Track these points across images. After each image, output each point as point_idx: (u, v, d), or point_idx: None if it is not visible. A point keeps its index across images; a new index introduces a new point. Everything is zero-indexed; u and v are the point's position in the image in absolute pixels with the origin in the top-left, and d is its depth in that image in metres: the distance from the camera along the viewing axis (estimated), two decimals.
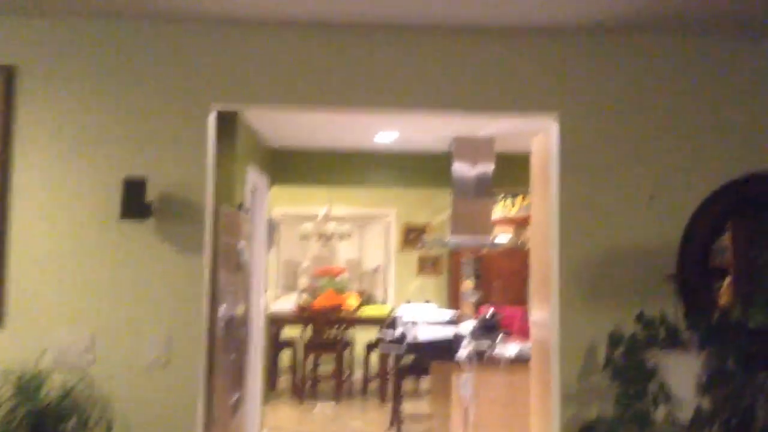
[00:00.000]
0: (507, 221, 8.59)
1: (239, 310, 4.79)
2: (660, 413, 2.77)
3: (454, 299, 8.76)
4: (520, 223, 8.67)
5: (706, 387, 2.70)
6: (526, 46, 3.29)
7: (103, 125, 3.22)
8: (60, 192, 3.18)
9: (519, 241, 8.50)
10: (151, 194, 3.18)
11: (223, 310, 4.25)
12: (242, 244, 4.66)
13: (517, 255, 8.65)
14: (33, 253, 3.15)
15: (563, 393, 3.20)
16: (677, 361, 2.84)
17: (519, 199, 8.75)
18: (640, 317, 3.02)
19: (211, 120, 3.31)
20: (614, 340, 3.02)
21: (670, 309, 3.11)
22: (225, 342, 4.33)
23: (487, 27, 3.23)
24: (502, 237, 6.73)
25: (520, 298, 8.73)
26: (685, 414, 2.73)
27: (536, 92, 3.30)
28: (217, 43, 3.28)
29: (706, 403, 2.71)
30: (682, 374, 2.78)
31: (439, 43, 3.29)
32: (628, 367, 2.91)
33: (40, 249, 3.15)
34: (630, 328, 3.08)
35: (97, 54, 3.25)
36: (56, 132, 3.21)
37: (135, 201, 3.13)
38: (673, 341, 2.91)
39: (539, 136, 3.91)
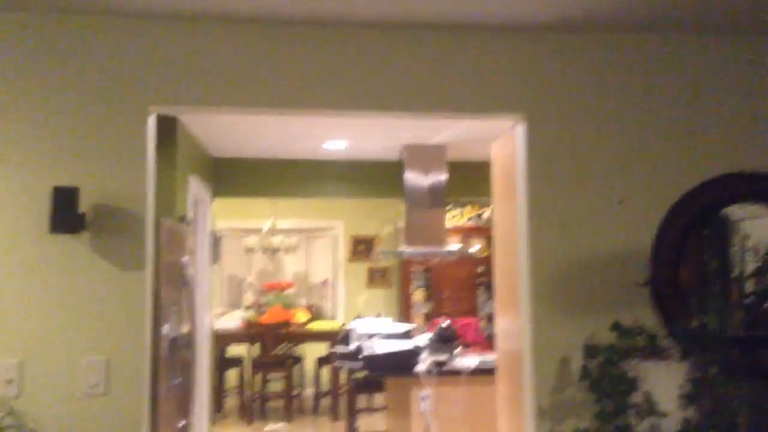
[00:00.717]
0: (456, 230, 8.50)
1: (184, 328, 4.48)
2: (644, 427, 2.62)
3: (404, 311, 8.59)
4: (468, 233, 8.59)
5: (691, 397, 2.56)
6: (491, 44, 3.12)
7: (29, 129, 2.90)
8: None
9: (468, 251, 8.42)
10: (85, 205, 2.88)
11: (166, 329, 3.95)
12: (186, 258, 4.36)
13: (467, 265, 8.57)
14: None
15: (536, 407, 3.02)
16: (659, 371, 2.71)
17: (467, 208, 8.68)
18: (616, 326, 2.90)
19: (150, 123, 3.03)
20: (590, 350, 2.88)
21: (646, 317, 2.99)
22: (170, 364, 4.02)
23: (449, 23, 3.05)
24: (453, 246, 6.58)
25: (471, 308, 8.65)
26: (670, 426, 2.59)
27: (502, 92, 3.12)
28: (155, 40, 3.00)
29: (691, 414, 2.57)
30: (664, 385, 2.65)
31: (395, 40, 3.09)
32: (607, 379, 2.76)
33: None
34: (605, 337, 2.95)
35: (23, 51, 2.92)
36: None
37: (66, 212, 2.81)
38: (653, 350, 2.77)
39: (500, 141, 3.75)
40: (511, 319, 3.52)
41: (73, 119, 2.93)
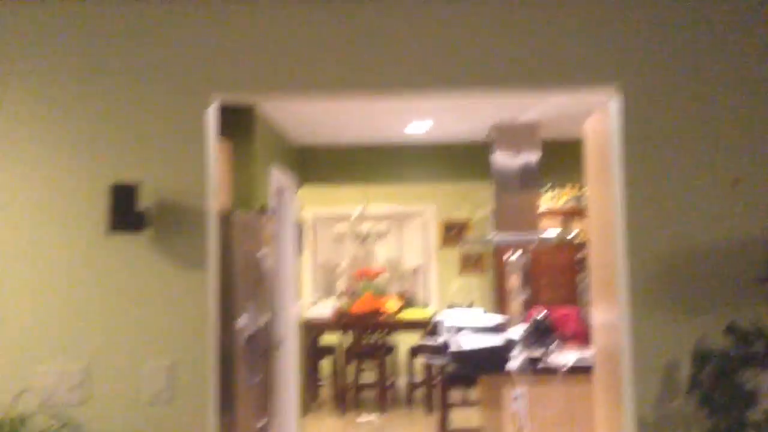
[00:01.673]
0: (553, 213, 8.04)
1: (263, 322, 4.36)
2: None
3: (500, 299, 8.22)
4: (568, 216, 8.11)
5: None
6: (577, 9, 2.75)
7: (85, 123, 2.80)
8: (39, 204, 2.76)
9: (567, 236, 7.95)
10: (145, 202, 2.76)
11: (242, 324, 3.83)
12: (263, 251, 4.22)
13: (566, 250, 8.10)
14: (9, 275, 2.74)
15: (638, 421, 2.67)
16: None
17: (566, 189, 8.18)
18: (731, 329, 2.49)
19: (211, 113, 2.86)
20: (700, 356, 2.49)
21: (762, 319, 2.56)
22: (248, 361, 3.91)
23: None
24: (551, 232, 6.17)
25: (571, 296, 8.17)
26: None
27: (594, 62, 2.74)
28: (214, 22, 2.83)
29: None
30: None
31: (479, 10, 2.77)
32: (720, 391, 2.37)
33: (18, 271, 2.74)
34: (717, 341, 2.56)
35: (76, 41, 2.82)
36: (31, 135, 2.79)
37: (126, 210, 2.69)
38: None
39: (593, 117, 3.36)
40: (607, 311, 3.16)
41: (131, 111, 2.80)
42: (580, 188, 8.03)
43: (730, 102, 2.70)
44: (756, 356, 2.36)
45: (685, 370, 2.59)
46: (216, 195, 2.95)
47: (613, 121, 2.83)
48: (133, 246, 2.76)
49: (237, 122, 4.72)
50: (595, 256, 3.40)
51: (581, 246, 7.98)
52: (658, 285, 2.68)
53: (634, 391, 2.68)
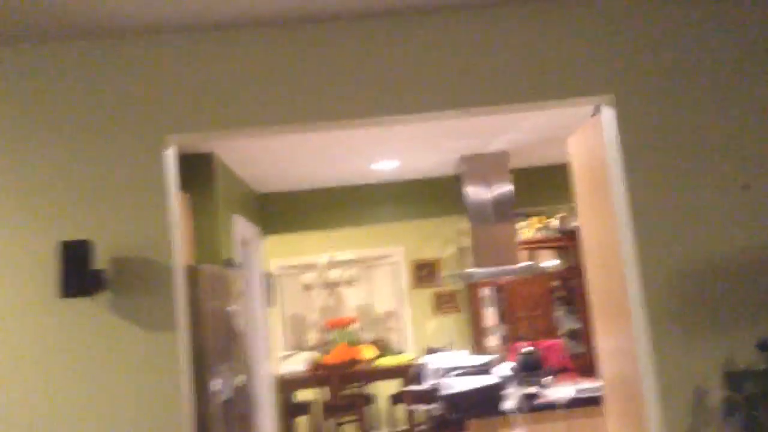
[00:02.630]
0: (525, 244, 7.87)
1: (239, 382, 4.01)
2: None
3: (477, 337, 7.96)
4: (538, 246, 7.94)
5: None
6: (563, 16, 2.58)
7: (29, 177, 2.49)
8: None
9: (543, 265, 7.78)
10: (102, 260, 2.45)
11: (217, 387, 3.48)
12: (232, 307, 3.90)
13: (541, 281, 7.92)
14: None
15: None
16: None
17: (533, 219, 8.04)
18: (764, 345, 2.27)
19: (169, 157, 2.58)
20: (735, 377, 2.26)
21: None
22: (226, 427, 3.55)
23: None
24: (527, 263, 5.96)
25: (549, 327, 7.97)
26: None
27: (584, 70, 2.57)
28: (168, 58, 2.57)
29: None
30: None
31: (455, 23, 2.58)
32: (765, 414, 2.14)
33: None
34: (747, 359, 2.35)
35: (16, 87, 2.53)
36: None
37: (79, 271, 2.38)
38: None
39: (578, 134, 3.19)
40: (615, 338, 2.93)
41: (81, 160, 2.51)
42: (547, 217, 7.90)
43: (731, 103, 2.54)
44: None
45: (715, 394, 2.36)
46: (181, 248, 2.65)
47: (607, 132, 2.64)
48: (91, 310, 2.44)
49: (196, 172, 4.43)
50: (595, 282, 3.18)
51: (554, 275, 7.82)
52: (676, 303, 2.47)
53: (661, 420, 2.44)
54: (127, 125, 2.53)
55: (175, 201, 2.62)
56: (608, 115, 2.60)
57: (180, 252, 2.60)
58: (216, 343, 3.56)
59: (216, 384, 3.49)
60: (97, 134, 2.52)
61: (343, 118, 2.57)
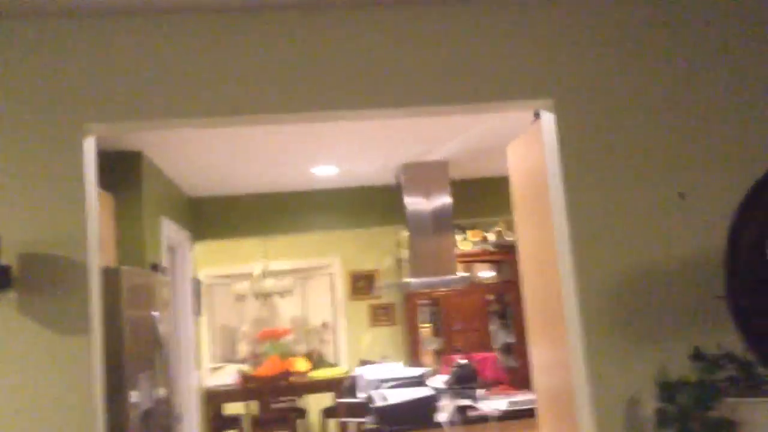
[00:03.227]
0: (462, 256, 7.85)
1: (161, 393, 3.81)
2: None
3: (413, 349, 7.89)
4: (474, 259, 7.94)
5: None
6: (501, 17, 2.54)
7: None
8: None
9: (479, 276, 7.77)
10: (8, 256, 2.25)
11: (136, 398, 3.28)
12: (156, 314, 3.70)
13: (477, 294, 7.92)
14: None
15: None
16: (764, 410, 2.06)
17: (471, 232, 8.05)
18: (698, 355, 2.26)
19: (88, 147, 2.41)
20: (668, 387, 2.24)
21: (728, 340, 2.36)
22: None
23: None
24: (463, 275, 5.93)
25: (484, 340, 7.96)
26: None
27: (522, 73, 2.52)
28: (90, 42, 2.41)
29: None
30: None
31: (393, 19, 2.50)
32: (700, 424, 2.11)
33: None
34: (680, 370, 2.33)
35: None
36: None
37: None
38: (752, 384, 2.13)
39: (517, 141, 3.15)
40: (549, 350, 2.89)
41: None
42: (484, 230, 7.91)
43: (669, 111, 2.54)
44: (731, 383, 2.13)
45: (649, 405, 2.33)
46: (98, 247, 2.47)
47: (546, 137, 2.60)
48: None
49: (122, 170, 4.22)
50: (530, 293, 3.14)
51: (490, 288, 7.83)
52: (612, 314, 2.43)
53: None
54: (43, 111, 2.35)
55: (94, 195, 2.44)
56: (547, 121, 2.56)
57: (97, 251, 2.42)
58: (136, 351, 3.36)
59: (135, 394, 3.30)
60: (8, 119, 2.33)
61: (270, 111, 2.45)
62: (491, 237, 7.84)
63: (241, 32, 2.45)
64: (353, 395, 4.89)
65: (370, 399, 4.45)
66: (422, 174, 5.28)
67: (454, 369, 4.84)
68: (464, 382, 4.76)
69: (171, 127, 2.45)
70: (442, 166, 5.28)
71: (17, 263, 2.28)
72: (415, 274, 5.22)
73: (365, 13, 2.49)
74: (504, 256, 7.59)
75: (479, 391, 4.62)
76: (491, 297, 8.07)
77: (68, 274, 2.31)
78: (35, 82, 2.36)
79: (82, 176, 2.36)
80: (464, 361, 4.94)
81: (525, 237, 3.14)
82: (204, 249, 7.06)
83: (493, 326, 8.07)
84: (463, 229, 7.93)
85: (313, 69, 2.45)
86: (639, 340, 2.41)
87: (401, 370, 5.14)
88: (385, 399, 4.24)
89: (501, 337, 7.94)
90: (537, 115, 2.76)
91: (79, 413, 2.25)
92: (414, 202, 5.31)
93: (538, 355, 3.11)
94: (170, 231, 5.01)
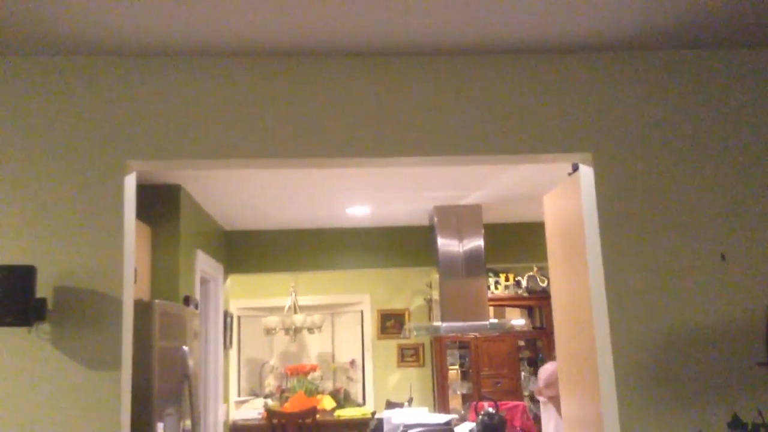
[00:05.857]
0: (494, 301, 7.76)
1: (187, 425, 3.80)
2: None
3: (440, 392, 7.77)
4: (505, 304, 7.85)
5: None
6: (545, 69, 2.54)
7: None
8: None
9: (512, 323, 7.66)
10: (44, 289, 2.29)
11: (163, 429, 3.28)
12: (186, 348, 3.72)
13: (506, 338, 7.80)
14: None
15: None
16: None
17: (503, 276, 7.97)
18: (736, 422, 2.17)
19: (129, 183, 2.46)
20: None
21: None
22: None
23: (494, 48, 2.48)
24: (495, 321, 5.85)
25: (514, 387, 7.82)
26: None
27: (562, 126, 2.51)
28: (136, 82, 2.47)
29: None
30: None
31: (433, 69, 2.52)
32: None
33: None
34: None
35: None
36: None
37: (18, 299, 2.21)
38: None
39: (554, 192, 3.13)
40: (580, 404, 2.82)
41: (32, 179, 2.37)
42: (516, 275, 7.83)
43: (713, 170, 2.50)
44: None
45: None
46: (133, 281, 2.50)
47: (584, 192, 2.58)
48: (27, 342, 2.26)
49: (160, 203, 4.29)
50: (563, 344, 3.08)
51: (522, 334, 7.71)
52: (647, 373, 2.37)
53: None
54: (87, 147, 2.41)
55: (132, 231, 2.48)
56: (586, 174, 2.53)
57: (131, 284, 2.45)
58: (165, 384, 3.37)
59: (161, 426, 3.29)
60: (53, 154, 2.39)
61: (311, 156, 2.47)
62: (524, 282, 7.75)
63: (279, 77, 2.49)
64: None
65: None
66: (455, 217, 5.26)
67: (483, 417, 4.75)
68: (491, 431, 4.66)
69: (209, 167, 2.49)
70: (475, 209, 5.26)
71: (53, 295, 2.31)
72: (445, 318, 5.16)
73: (406, 61, 2.51)
74: (537, 301, 7.49)
75: None
76: (522, 343, 7.95)
77: (102, 308, 2.33)
78: (80, 118, 2.42)
79: (121, 212, 2.40)
80: (492, 410, 4.84)
81: (559, 287, 3.10)
82: (236, 281, 7.10)
83: (524, 372, 7.93)
84: (495, 273, 7.87)
85: (352, 116, 2.48)
86: (675, 401, 2.33)
87: (428, 415, 5.06)
88: None
89: (531, 384, 7.79)
90: (575, 168, 2.74)
91: None
92: (446, 244, 5.29)
93: (569, 407, 3.03)
94: (204, 264, 5.05)
